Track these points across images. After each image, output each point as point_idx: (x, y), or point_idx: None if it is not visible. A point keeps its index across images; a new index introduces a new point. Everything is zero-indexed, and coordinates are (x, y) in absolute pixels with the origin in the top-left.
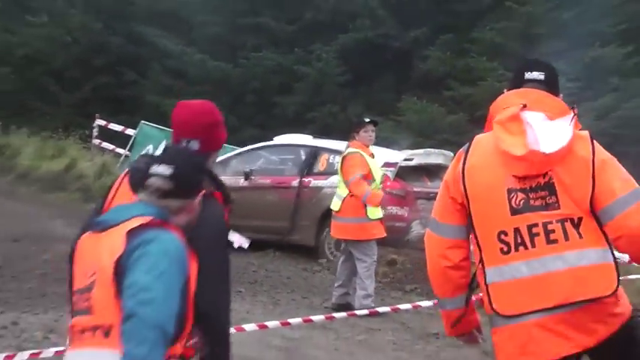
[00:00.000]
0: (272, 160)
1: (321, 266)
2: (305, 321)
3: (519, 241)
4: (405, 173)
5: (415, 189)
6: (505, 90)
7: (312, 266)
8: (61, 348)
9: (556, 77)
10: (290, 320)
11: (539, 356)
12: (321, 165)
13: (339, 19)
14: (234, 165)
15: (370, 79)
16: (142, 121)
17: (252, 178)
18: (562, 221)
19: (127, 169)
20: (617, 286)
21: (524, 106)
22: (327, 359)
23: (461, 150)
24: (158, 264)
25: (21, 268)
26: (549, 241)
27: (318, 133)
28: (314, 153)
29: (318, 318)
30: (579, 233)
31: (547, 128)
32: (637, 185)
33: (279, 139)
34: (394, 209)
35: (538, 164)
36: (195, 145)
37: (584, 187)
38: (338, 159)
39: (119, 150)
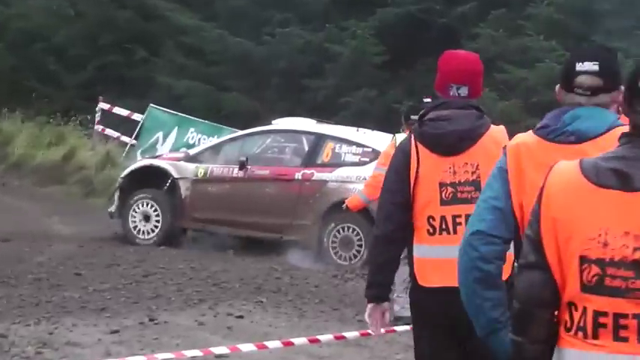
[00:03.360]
0: (270, 147)
1: (354, 273)
2: (336, 337)
3: None
4: None
5: None
6: None
7: (343, 273)
8: None
9: None
10: (319, 336)
11: None
12: (325, 155)
13: None
14: (227, 152)
15: (412, 60)
16: (151, 104)
17: (248, 167)
18: None
19: (406, 133)
20: None
21: None
22: None
23: None
24: None
25: (11, 273)
26: None
27: (353, 121)
28: (318, 141)
29: (351, 334)
30: None
31: None
32: None
33: (279, 124)
34: None
35: None
36: (464, 91)
37: None
38: (345, 148)
39: (124, 138)
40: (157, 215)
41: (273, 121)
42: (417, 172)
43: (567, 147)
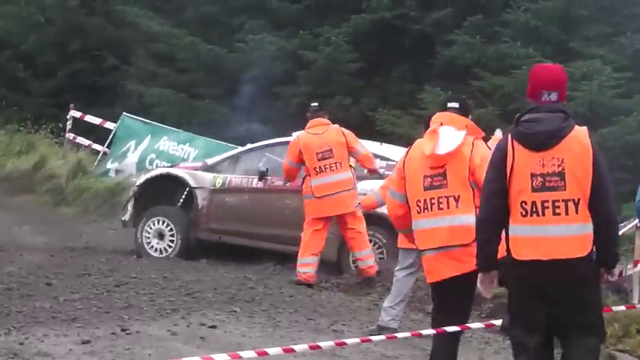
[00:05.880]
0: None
1: (329, 283)
2: (311, 347)
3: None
4: None
5: None
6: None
7: (318, 282)
8: None
9: (467, 105)
10: (293, 346)
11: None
12: None
13: None
14: (245, 162)
15: (387, 67)
16: (124, 113)
17: (268, 178)
18: (448, 197)
19: (504, 133)
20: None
21: (441, 123)
22: None
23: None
24: None
25: None
26: (440, 209)
27: None
28: None
29: (326, 344)
30: (457, 204)
31: (448, 137)
32: None
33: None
34: None
35: (440, 161)
36: (554, 96)
37: (464, 172)
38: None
39: (96, 146)
40: (172, 233)
41: (293, 134)
42: (512, 164)
43: None
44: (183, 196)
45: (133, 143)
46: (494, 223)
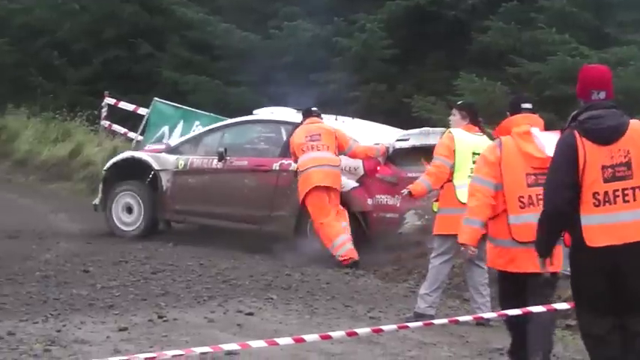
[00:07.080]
0: (250, 138)
1: (365, 270)
2: (348, 334)
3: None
4: (398, 156)
5: (410, 174)
6: (508, 113)
7: (354, 269)
8: None
9: (533, 105)
10: (330, 333)
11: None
12: None
13: None
14: (207, 143)
15: (421, 53)
16: (155, 98)
17: (227, 158)
18: None
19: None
20: None
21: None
22: None
23: (495, 144)
24: None
25: (19, 270)
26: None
27: (362, 115)
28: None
29: (363, 330)
30: None
31: (544, 138)
32: None
33: (260, 113)
34: (384, 198)
35: (546, 162)
36: (603, 94)
37: None
38: None
39: (131, 134)
40: (140, 207)
41: (254, 111)
42: (584, 159)
43: None
44: (149, 178)
45: (166, 128)
46: (563, 215)
